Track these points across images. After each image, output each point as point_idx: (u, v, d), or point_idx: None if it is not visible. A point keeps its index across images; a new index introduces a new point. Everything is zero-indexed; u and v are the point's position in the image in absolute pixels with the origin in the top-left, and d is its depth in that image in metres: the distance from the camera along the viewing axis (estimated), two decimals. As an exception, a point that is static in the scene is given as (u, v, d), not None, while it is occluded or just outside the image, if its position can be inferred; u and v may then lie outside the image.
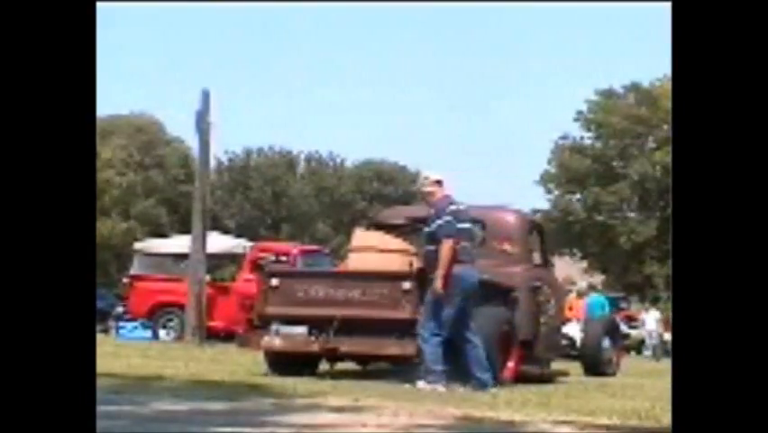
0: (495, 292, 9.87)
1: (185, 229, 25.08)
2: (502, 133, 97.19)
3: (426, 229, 8.70)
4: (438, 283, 8.32)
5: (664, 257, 42.91)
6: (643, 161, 46.84)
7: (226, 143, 60.10)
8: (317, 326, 9.06)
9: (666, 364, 18.65)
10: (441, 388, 8.07)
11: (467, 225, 8.72)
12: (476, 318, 9.08)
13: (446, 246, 8.42)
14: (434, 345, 8.34)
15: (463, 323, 8.50)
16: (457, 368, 8.60)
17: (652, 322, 30.09)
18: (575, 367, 13.15)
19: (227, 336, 18.16)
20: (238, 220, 55.73)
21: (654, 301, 35.78)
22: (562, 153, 49.72)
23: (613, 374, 13.12)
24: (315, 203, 58.95)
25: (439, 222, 8.55)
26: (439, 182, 8.83)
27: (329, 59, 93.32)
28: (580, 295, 21.81)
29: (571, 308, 19.89)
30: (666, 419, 5.57)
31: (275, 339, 9.21)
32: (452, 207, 8.64)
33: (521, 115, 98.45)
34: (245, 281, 18.95)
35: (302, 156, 62.68)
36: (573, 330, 18.64)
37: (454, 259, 8.42)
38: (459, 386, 8.19)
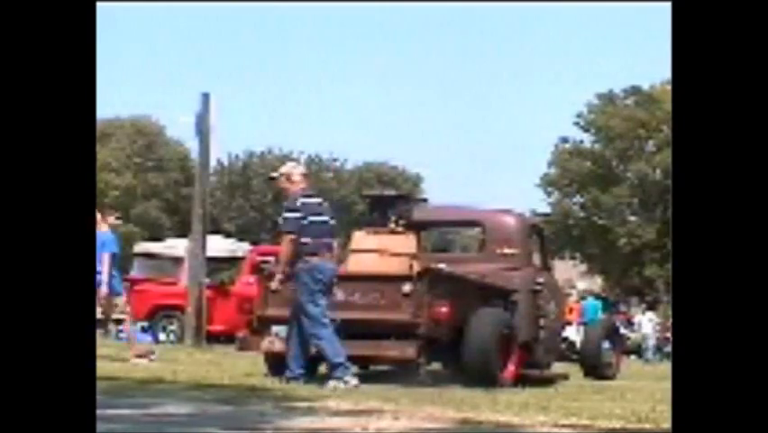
0: (495, 295, 9.87)
1: (185, 232, 25.06)
2: (502, 135, 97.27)
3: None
4: (276, 281, 8.49)
5: (664, 260, 42.89)
6: (642, 164, 46.87)
7: (226, 146, 60.10)
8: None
9: (665, 367, 18.62)
10: (353, 381, 7.93)
11: (322, 219, 8.55)
12: (476, 320, 9.08)
13: (285, 241, 8.44)
14: (328, 338, 8.25)
15: (315, 315, 8.36)
16: (454, 369, 8.58)
17: (647, 325, 29.89)
18: (575, 370, 13.15)
19: (227, 339, 18.13)
20: (238, 223, 55.67)
21: (652, 304, 35.67)
22: (562, 156, 49.74)
23: (613, 377, 13.09)
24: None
25: (282, 216, 8.56)
26: (293, 178, 8.70)
27: (329, 62, 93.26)
28: (581, 297, 21.85)
29: (571, 311, 19.93)
30: (666, 423, 5.56)
31: (275, 342, 9.19)
32: (302, 201, 8.51)
33: (521, 118, 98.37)
34: (245, 284, 18.95)
35: (302, 158, 62.69)
36: (573, 333, 18.67)
37: (296, 253, 8.36)
38: (457, 387, 8.19)
